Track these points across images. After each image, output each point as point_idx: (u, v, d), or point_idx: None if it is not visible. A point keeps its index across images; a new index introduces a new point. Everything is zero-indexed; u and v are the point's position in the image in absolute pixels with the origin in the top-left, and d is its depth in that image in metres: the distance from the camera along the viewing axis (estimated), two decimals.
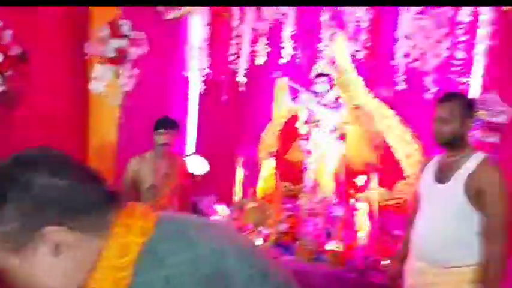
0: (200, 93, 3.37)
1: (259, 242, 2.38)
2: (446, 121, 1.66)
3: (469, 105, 1.71)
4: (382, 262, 2.59)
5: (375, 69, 2.64)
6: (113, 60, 3.39)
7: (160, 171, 2.51)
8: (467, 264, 1.65)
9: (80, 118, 3.58)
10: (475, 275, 1.65)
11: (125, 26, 3.34)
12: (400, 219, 3.42)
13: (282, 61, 2.84)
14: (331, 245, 2.74)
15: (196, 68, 3.21)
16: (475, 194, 1.60)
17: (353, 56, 2.78)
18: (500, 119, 2.12)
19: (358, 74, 3.60)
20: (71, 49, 3.41)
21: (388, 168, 3.54)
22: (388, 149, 3.58)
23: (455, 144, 1.68)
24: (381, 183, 3.39)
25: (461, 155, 1.67)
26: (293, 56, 2.95)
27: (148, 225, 0.59)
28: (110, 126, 3.53)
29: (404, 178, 3.52)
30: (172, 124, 2.50)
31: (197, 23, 3.22)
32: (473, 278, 1.65)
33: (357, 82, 3.67)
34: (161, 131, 2.46)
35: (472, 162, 1.64)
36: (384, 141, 3.59)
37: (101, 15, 3.43)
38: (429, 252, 1.72)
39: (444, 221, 1.67)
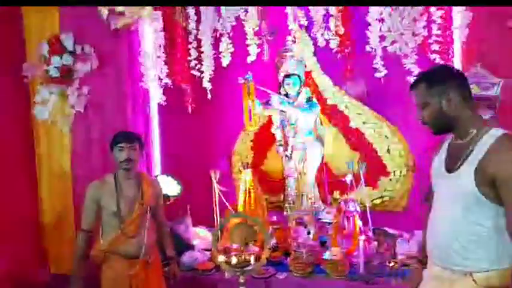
0: (162, 105, 3.03)
1: (252, 261, 2.05)
2: (422, 107, 1.45)
3: (443, 78, 1.42)
4: (389, 264, 2.34)
5: (350, 57, 2.44)
6: (57, 80, 3.01)
7: (125, 194, 2.16)
8: (490, 269, 1.37)
9: (25, 149, 3.13)
10: (505, 280, 1.36)
11: (67, 40, 2.98)
12: (389, 217, 3.26)
13: (250, 59, 2.57)
14: (328, 254, 2.47)
15: (154, 78, 2.88)
16: (490, 183, 1.32)
17: (324, 47, 2.56)
18: (493, 91, 1.97)
19: (327, 71, 3.47)
20: (6, 72, 2.98)
21: (370, 166, 3.37)
22: (368, 146, 3.42)
23: (450, 127, 1.44)
24: (364, 182, 3.21)
25: (468, 137, 1.40)
26: (259, 55, 2.70)
27: None
28: (61, 154, 3.10)
29: (387, 174, 3.37)
30: (133, 137, 2.18)
31: (149, 30, 2.92)
32: (503, 284, 1.36)
33: (326, 81, 3.53)
34: (121, 145, 2.13)
35: (485, 143, 1.36)
36: (363, 139, 3.43)
37: (38, 30, 3.04)
38: (443, 254, 1.46)
39: (456, 217, 1.41)
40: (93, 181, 2.23)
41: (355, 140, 3.48)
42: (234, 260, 2.03)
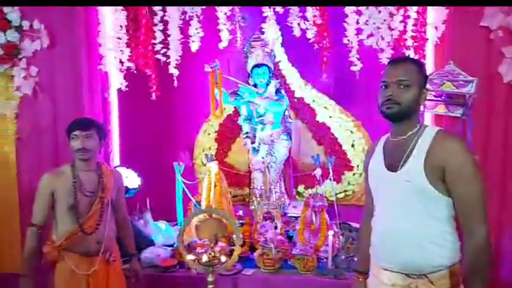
0: (122, 91, 2.80)
1: (223, 259, 1.94)
2: (404, 85, 1.34)
3: (425, 72, 1.44)
4: (355, 258, 2.33)
5: (327, 49, 2.39)
6: (1, 59, 2.67)
7: (84, 187, 1.96)
8: (445, 266, 1.33)
9: None
10: (457, 276, 1.34)
11: (13, 15, 2.66)
12: (352, 211, 3.29)
13: (221, 45, 2.43)
14: (296, 249, 2.42)
15: (115, 61, 2.64)
16: (439, 176, 1.30)
17: (292, 38, 2.49)
18: (467, 88, 2.01)
19: (295, 63, 3.41)
20: None
21: (335, 160, 3.38)
22: (333, 141, 3.43)
23: (407, 117, 1.38)
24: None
25: (410, 133, 1.38)
26: (231, 41, 2.57)
27: None
28: (4, 142, 2.77)
29: (351, 169, 3.40)
30: (90, 124, 1.99)
31: (109, 8, 2.66)
32: (455, 281, 1.33)
33: (293, 73, 3.48)
34: (75, 133, 1.93)
35: (426, 137, 1.35)
36: (329, 133, 3.43)
37: None
38: (395, 258, 1.38)
39: (407, 216, 1.35)
40: (47, 172, 2.00)
41: (321, 134, 3.47)
42: (204, 258, 1.91)
